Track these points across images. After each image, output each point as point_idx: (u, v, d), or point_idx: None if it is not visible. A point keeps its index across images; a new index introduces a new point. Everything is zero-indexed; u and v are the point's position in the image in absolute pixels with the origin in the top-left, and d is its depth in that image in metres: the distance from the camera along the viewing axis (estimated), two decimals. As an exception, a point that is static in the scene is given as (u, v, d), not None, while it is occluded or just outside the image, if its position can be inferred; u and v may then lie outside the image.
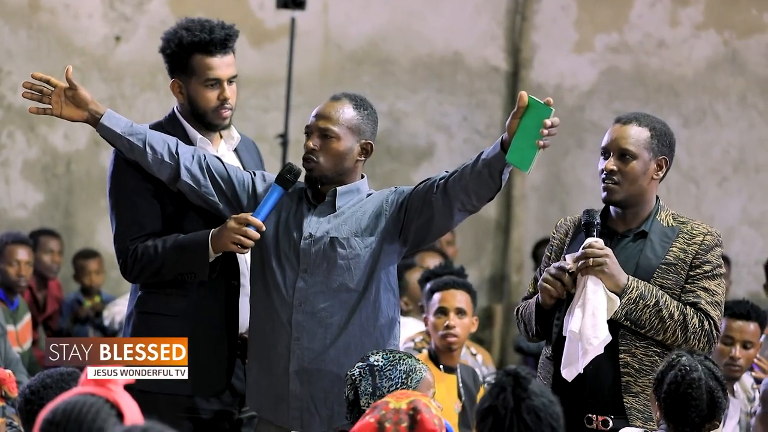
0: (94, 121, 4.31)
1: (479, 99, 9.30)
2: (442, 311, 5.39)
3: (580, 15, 9.38)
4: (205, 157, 4.33)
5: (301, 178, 4.34)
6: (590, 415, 4.23)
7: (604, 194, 4.31)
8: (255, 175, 4.38)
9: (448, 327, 5.33)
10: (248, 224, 4.20)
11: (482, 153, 4.11)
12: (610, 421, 4.20)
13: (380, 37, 9.17)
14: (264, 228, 4.22)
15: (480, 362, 6.13)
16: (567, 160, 9.32)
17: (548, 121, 3.95)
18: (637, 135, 4.28)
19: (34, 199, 8.77)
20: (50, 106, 4.30)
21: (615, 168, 4.27)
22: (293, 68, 8.28)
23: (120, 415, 2.84)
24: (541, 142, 3.96)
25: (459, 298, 5.42)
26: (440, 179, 4.18)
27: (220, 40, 4.38)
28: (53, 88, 4.28)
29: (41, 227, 8.32)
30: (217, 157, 4.40)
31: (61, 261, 8.17)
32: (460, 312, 5.38)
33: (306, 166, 4.28)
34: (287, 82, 8.27)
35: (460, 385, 5.37)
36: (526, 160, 4.00)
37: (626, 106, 9.07)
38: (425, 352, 5.48)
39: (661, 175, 4.33)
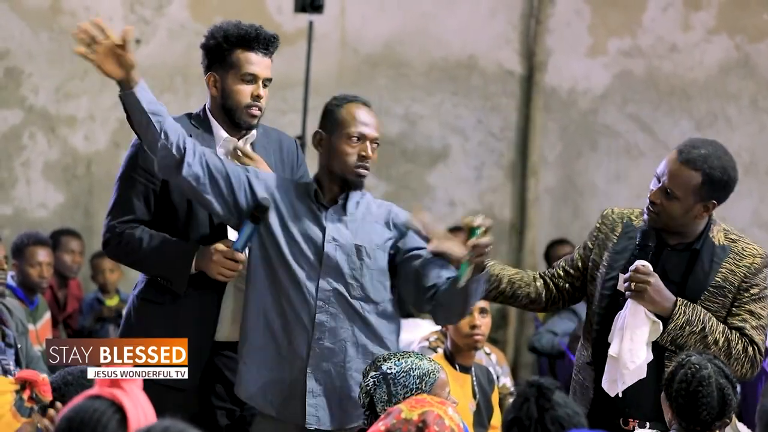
0: (127, 86, 4.23)
1: (494, 102, 9.29)
2: None
3: (593, 19, 9.39)
4: (205, 155, 4.32)
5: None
6: (627, 418, 4.27)
7: (645, 217, 4.31)
8: (249, 171, 4.38)
9: (474, 327, 5.33)
10: (233, 258, 4.33)
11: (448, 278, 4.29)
12: (647, 425, 4.20)
13: (396, 40, 9.18)
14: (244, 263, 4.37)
15: (494, 362, 6.13)
16: (580, 163, 9.23)
17: (470, 242, 4.09)
18: (687, 180, 4.23)
19: (55, 199, 8.79)
20: (94, 55, 4.21)
21: (657, 201, 4.26)
22: (311, 71, 8.28)
23: (124, 418, 2.89)
24: (467, 257, 4.10)
25: None
26: (432, 292, 4.30)
27: (264, 40, 4.48)
28: (106, 39, 4.21)
29: (62, 227, 8.31)
30: (217, 156, 4.40)
31: (82, 261, 8.17)
32: (482, 311, 5.38)
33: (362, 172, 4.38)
34: (305, 85, 8.27)
35: (475, 384, 5.38)
36: (462, 272, 4.13)
37: (639, 110, 9.11)
38: (440, 351, 5.49)
39: (707, 215, 4.30)
